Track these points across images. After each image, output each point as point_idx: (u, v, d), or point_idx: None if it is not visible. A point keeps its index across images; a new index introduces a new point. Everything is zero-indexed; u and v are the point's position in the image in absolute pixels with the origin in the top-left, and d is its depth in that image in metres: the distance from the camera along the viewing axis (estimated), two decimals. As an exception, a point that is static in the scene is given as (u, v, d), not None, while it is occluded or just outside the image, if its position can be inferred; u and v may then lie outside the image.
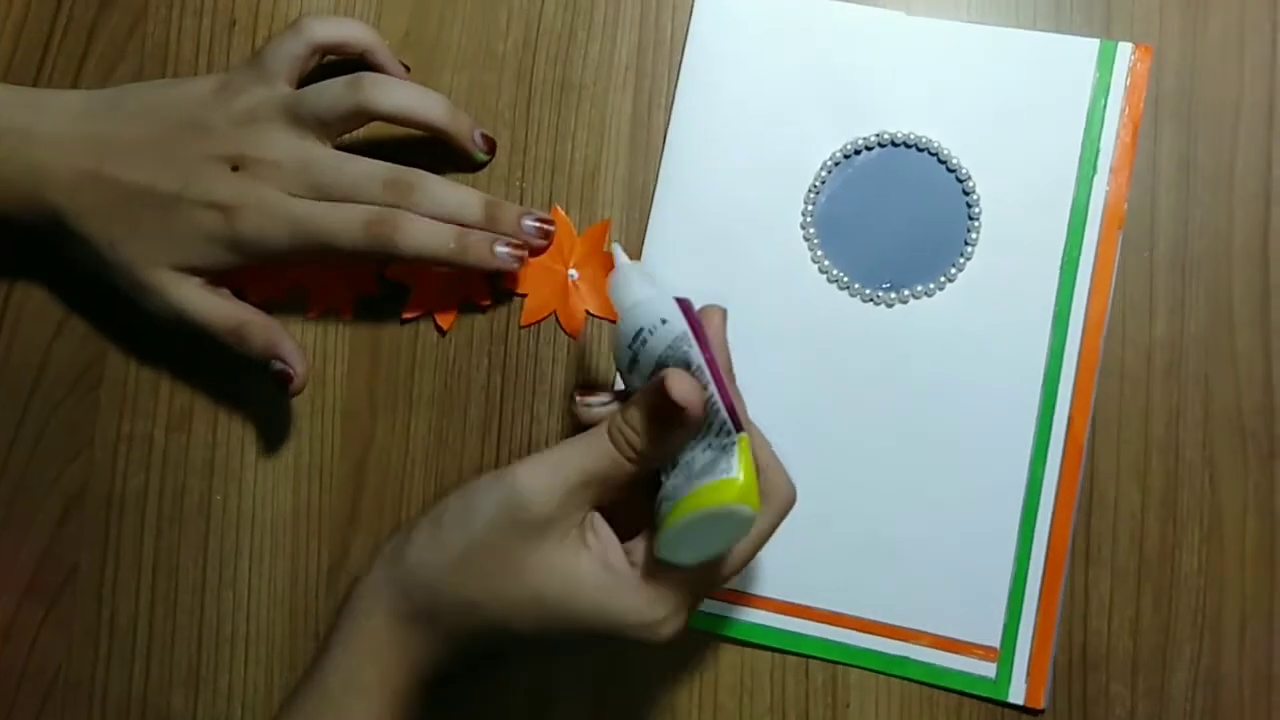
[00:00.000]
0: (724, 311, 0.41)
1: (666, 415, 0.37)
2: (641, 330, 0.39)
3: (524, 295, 0.49)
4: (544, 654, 0.47)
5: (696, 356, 0.38)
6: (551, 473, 0.38)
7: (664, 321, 0.38)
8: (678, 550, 0.38)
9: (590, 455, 0.39)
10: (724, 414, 0.37)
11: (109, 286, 0.46)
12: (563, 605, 0.38)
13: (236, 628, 0.48)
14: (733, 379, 0.41)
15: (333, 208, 0.44)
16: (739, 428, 0.37)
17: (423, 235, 0.44)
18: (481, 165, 0.49)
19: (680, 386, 0.36)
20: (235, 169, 0.44)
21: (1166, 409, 0.46)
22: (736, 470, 0.37)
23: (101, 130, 0.45)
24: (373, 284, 0.49)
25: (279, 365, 0.46)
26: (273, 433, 0.49)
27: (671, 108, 0.49)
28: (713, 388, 0.37)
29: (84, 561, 0.49)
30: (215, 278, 0.46)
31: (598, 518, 0.40)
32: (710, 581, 0.40)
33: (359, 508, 0.49)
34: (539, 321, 0.49)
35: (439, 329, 0.49)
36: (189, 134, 0.45)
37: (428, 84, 0.48)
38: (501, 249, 0.46)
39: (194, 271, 0.45)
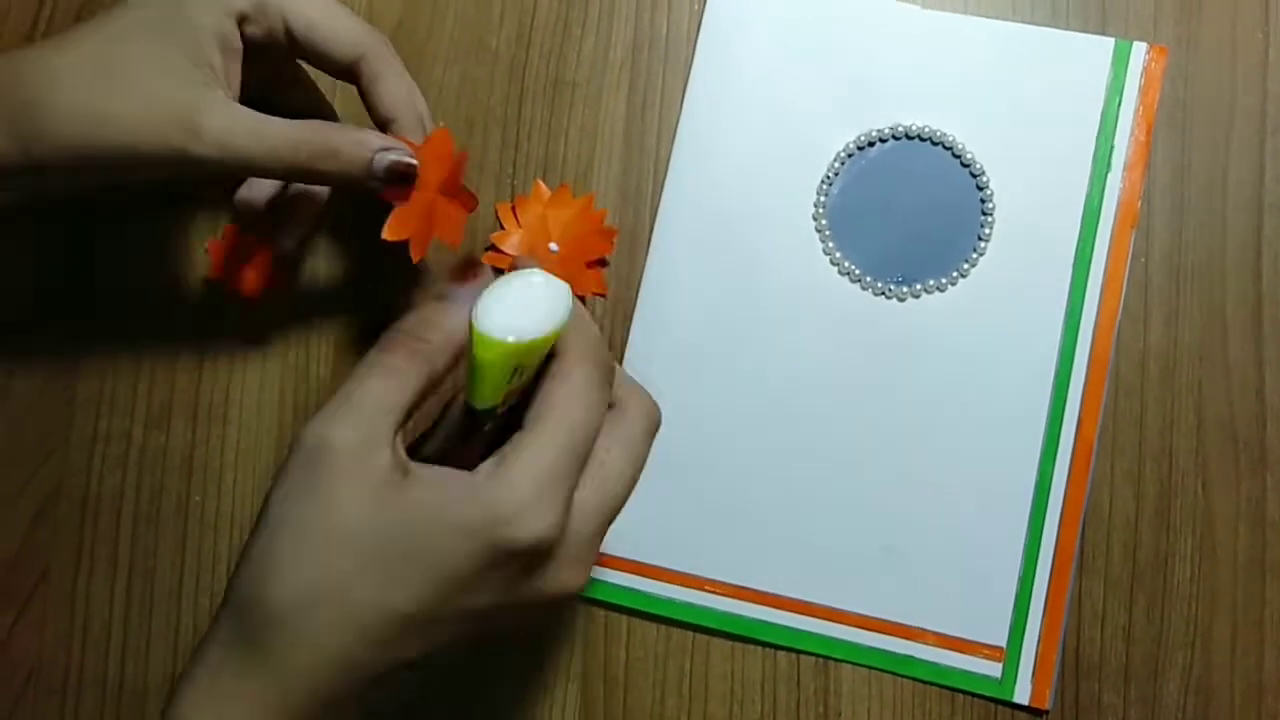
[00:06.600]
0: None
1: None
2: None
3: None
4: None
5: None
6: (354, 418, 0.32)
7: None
8: (492, 316, 0.31)
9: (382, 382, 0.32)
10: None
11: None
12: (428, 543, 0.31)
13: (214, 632, 0.47)
14: None
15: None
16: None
17: None
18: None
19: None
20: None
21: (1160, 417, 0.46)
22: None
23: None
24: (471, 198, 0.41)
25: (390, 158, 0.38)
26: (254, 432, 0.48)
27: (666, 106, 0.48)
28: None
29: (56, 564, 0.47)
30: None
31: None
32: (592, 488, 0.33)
33: (343, 510, 0.47)
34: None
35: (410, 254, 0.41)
36: None
37: (418, 78, 0.47)
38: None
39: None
